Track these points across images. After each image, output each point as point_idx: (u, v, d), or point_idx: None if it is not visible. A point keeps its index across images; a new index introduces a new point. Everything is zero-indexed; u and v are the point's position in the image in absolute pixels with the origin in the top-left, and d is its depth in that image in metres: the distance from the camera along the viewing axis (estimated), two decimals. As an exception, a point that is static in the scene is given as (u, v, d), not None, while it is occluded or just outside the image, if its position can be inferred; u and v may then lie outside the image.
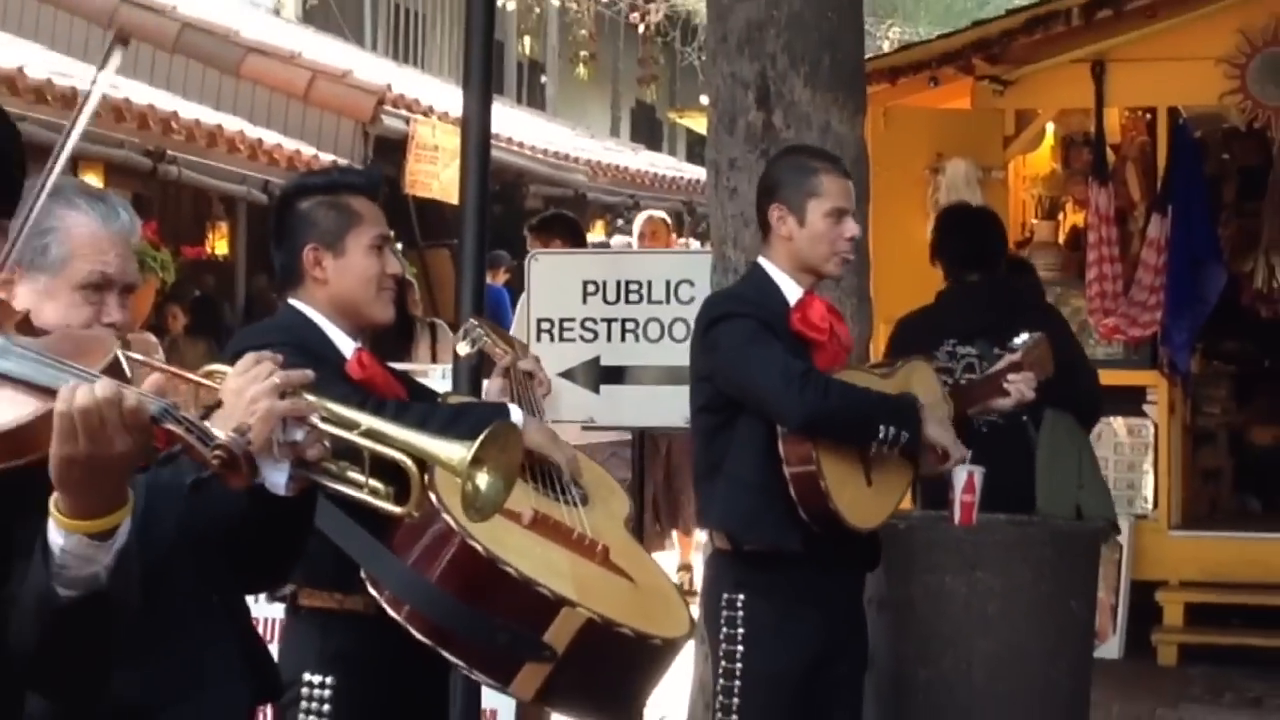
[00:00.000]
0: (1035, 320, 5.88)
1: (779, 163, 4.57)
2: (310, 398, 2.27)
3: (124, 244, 2.72)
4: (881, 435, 4.38)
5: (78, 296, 2.68)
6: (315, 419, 2.25)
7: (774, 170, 4.51)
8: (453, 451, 2.26)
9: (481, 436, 2.24)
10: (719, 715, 4.49)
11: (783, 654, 4.37)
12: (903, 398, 4.41)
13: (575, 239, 8.44)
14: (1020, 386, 4.70)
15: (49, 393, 2.01)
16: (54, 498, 2.02)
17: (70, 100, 10.05)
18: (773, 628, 4.38)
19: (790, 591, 4.38)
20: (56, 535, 2.03)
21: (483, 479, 2.26)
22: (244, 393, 2.26)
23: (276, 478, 2.28)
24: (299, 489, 2.32)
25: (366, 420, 2.31)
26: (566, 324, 5.84)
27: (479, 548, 3.32)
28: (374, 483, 2.26)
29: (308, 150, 12.50)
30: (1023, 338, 4.86)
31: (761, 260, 4.52)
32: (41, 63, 11.01)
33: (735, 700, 4.48)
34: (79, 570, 2.04)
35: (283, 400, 2.22)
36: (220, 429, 2.10)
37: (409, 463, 2.25)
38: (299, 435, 2.22)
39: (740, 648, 4.39)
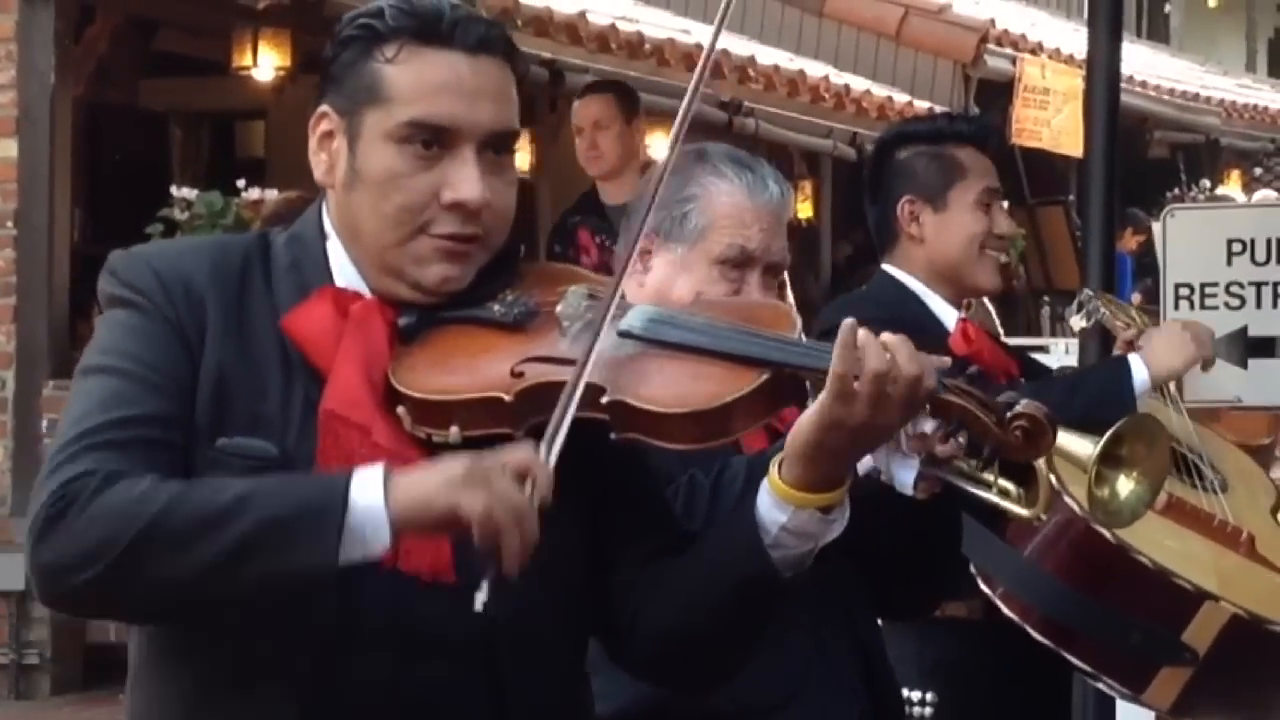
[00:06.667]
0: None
1: None
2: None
3: (771, 219, 2.20)
4: None
5: (715, 271, 2.19)
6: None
7: None
8: (1080, 447, 1.64)
9: (1115, 429, 1.62)
10: None
11: None
12: None
13: (629, 108, 5.72)
14: None
15: (751, 366, 1.56)
16: (776, 469, 1.58)
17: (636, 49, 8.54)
18: None
19: None
20: (777, 511, 1.58)
21: (1122, 483, 1.62)
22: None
23: (904, 475, 1.70)
24: (928, 491, 1.71)
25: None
26: (1208, 289, 3.92)
27: (1108, 535, 2.60)
28: (1004, 482, 1.67)
29: (900, 97, 10.36)
30: None
31: None
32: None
33: None
34: (793, 549, 1.58)
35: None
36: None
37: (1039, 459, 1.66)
38: (928, 427, 1.61)
39: None
